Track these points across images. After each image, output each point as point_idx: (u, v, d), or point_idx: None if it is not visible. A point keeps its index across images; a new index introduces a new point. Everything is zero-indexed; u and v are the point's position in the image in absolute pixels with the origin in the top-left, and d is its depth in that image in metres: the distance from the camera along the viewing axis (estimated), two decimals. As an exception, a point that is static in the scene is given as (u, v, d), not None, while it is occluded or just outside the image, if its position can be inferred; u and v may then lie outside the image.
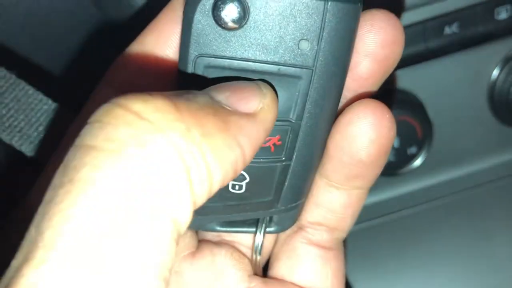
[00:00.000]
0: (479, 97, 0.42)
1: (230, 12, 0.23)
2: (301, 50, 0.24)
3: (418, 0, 0.38)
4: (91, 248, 0.16)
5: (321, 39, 0.24)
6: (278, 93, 0.25)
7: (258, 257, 0.32)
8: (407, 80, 0.41)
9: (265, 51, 0.24)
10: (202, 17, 0.23)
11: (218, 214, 0.29)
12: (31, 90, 0.31)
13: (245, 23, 0.23)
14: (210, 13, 0.23)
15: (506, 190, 0.47)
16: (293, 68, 0.24)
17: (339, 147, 0.27)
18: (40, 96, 0.31)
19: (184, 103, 0.19)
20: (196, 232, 0.33)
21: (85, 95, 0.29)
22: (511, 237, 0.47)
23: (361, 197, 0.31)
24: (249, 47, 0.24)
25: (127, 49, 0.28)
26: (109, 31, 0.36)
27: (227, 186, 0.27)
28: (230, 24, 0.23)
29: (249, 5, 0.23)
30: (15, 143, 0.30)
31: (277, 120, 0.24)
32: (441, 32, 0.39)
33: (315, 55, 0.24)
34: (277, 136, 0.26)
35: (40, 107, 0.31)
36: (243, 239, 0.33)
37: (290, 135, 0.26)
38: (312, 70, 0.24)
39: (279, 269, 0.33)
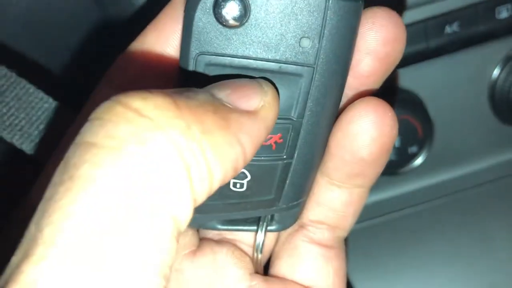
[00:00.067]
0: (480, 96, 0.42)
1: (231, 10, 0.23)
2: (302, 48, 0.24)
3: (419, -1, 0.38)
4: (91, 245, 0.16)
5: (323, 36, 0.24)
6: (280, 91, 0.25)
7: (259, 256, 0.32)
8: (408, 79, 0.41)
9: (266, 49, 0.24)
10: (203, 15, 0.23)
11: (219, 213, 0.29)
12: (31, 88, 0.31)
13: (246, 21, 0.23)
14: (211, 11, 0.23)
15: (506, 190, 0.47)
16: (294, 66, 0.24)
17: (341, 145, 0.27)
18: (41, 94, 0.31)
19: (184, 100, 0.19)
20: (197, 231, 0.33)
21: (86, 94, 0.29)
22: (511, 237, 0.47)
23: (363, 195, 0.31)
24: (250, 45, 0.24)
25: (128, 48, 0.28)
26: (110, 29, 0.36)
27: (228, 184, 0.27)
28: (231, 22, 0.23)
29: (250, 3, 0.23)
30: (16, 141, 0.30)
31: (279, 118, 0.24)
32: (441, 31, 0.39)
33: (317, 53, 0.24)
34: (279, 134, 0.26)
35: (41, 106, 0.31)
36: (244, 237, 0.33)
37: (292, 133, 0.26)
38: (314, 68, 0.24)
39: (280, 268, 0.33)
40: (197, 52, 0.24)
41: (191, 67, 0.24)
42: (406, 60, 0.40)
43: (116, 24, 0.36)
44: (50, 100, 0.31)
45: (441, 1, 0.38)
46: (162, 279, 0.18)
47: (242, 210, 0.28)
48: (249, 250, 0.33)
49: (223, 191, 0.27)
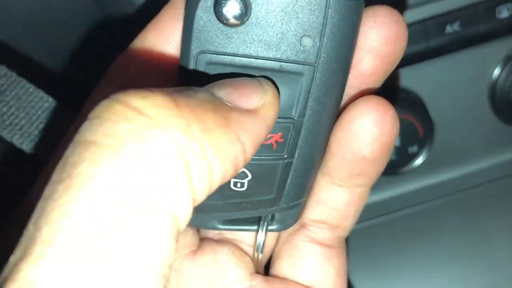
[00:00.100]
0: (480, 96, 0.42)
1: (231, 9, 0.23)
2: (303, 46, 0.24)
3: (419, -1, 0.38)
4: (90, 244, 0.16)
5: (323, 35, 0.24)
6: (280, 90, 0.25)
7: (260, 255, 0.32)
8: (408, 79, 0.41)
9: (267, 47, 0.24)
10: (204, 14, 0.23)
11: (219, 212, 0.29)
12: (31, 88, 0.31)
13: (247, 20, 0.23)
14: (212, 9, 0.23)
15: (506, 190, 0.47)
16: (295, 65, 0.24)
17: (342, 144, 0.27)
18: (41, 94, 0.31)
19: (184, 99, 0.19)
20: (198, 230, 0.33)
21: (86, 93, 0.29)
22: (512, 237, 0.47)
23: (364, 195, 0.31)
24: (250, 44, 0.24)
25: (128, 47, 0.28)
26: (110, 29, 0.36)
27: (229, 183, 0.27)
28: (232, 21, 0.23)
29: (250, 1, 0.23)
30: (16, 141, 0.30)
31: (279, 117, 0.24)
32: (442, 30, 0.39)
33: (317, 52, 0.24)
34: (279, 133, 0.26)
35: (41, 105, 0.31)
36: (245, 237, 0.33)
37: (292, 132, 0.26)
38: (314, 66, 0.24)
39: (281, 268, 0.33)
40: (198, 50, 0.24)
41: (191, 66, 0.24)
42: (407, 60, 0.40)
43: (116, 23, 0.36)
44: (50, 99, 0.31)
45: (441, 1, 0.38)
46: (162, 278, 0.17)
47: (242, 209, 0.28)
48: (249, 250, 0.33)
49: (224, 191, 0.27)
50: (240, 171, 0.25)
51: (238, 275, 0.32)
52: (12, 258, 0.17)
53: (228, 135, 0.20)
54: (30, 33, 0.35)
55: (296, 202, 0.29)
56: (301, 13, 0.23)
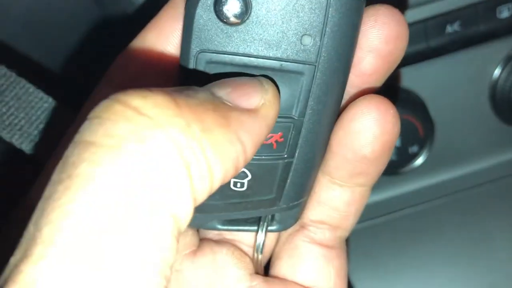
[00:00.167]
0: (481, 96, 0.42)
1: (232, 7, 0.23)
2: (303, 45, 0.24)
3: (419, -1, 0.38)
4: (90, 244, 0.16)
5: (324, 34, 0.24)
6: (280, 89, 0.25)
7: (260, 256, 0.32)
8: (409, 79, 0.41)
9: (267, 46, 0.24)
10: (204, 12, 0.23)
11: (219, 212, 0.28)
12: (31, 88, 0.31)
13: (247, 18, 0.23)
14: (212, 8, 0.23)
15: (507, 190, 0.47)
16: (296, 64, 0.24)
17: (343, 144, 0.27)
18: (41, 94, 0.31)
19: (184, 99, 0.19)
20: (197, 231, 0.33)
21: (85, 93, 0.29)
22: (512, 237, 0.47)
23: (364, 195, 0.31)
24: (251, 43, 0.24)
25: (128, 47, 0.28)
26: (110, 29, 0.36)
27: (229, 183, 0.27)
28: (232, 19, 0.23)
29: (251, 0, 0.23)
30: (15, 141, 0.30)
31: (279, 117, 0.24)
32: (442, 30, 0.39)
33: (318, 51, 0.24)
34: (279, 133, 0.26)
35: (41, 105, 0.31)
36: (245, 237, 0.33)
37: (293, 132, 0.26)
38: (315, 66, 0.24)
39: (280, 268, 0.33)
40: (198, 49, 0.24)
41: (191, 65, 0.24)
42: (407, 60, 0.40)
43: (116, 23, 0.36)
44: (50, 99, 0.31)
45: (441, 1, 0.38)
46: (162, 279, 0.17)
47: (242, 209, 0.28)
48: (249, 251, 0.33)
49: (224, 191, 0.27)
50: (240, 171, 0.25)
51: (237, 276, 0.32)
52: (13, 259, 0.17)
53: (228, 135, 0.20)
54: (29, 33, 0.35)
55: (296, 202, 0.29)
56: (301, 12, 0.23)
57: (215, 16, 0.23)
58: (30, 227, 0.17)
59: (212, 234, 0.33)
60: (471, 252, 0.47)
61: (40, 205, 0.17)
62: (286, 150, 0.26)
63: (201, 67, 0.24)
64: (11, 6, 0.34)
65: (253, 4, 0.23)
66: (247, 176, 0.27)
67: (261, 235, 0.31)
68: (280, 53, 0.24)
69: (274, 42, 0.24)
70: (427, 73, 0.41)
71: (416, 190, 0.46)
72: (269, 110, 0.23)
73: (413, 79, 0.41)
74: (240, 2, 0.23)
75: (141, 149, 0.18)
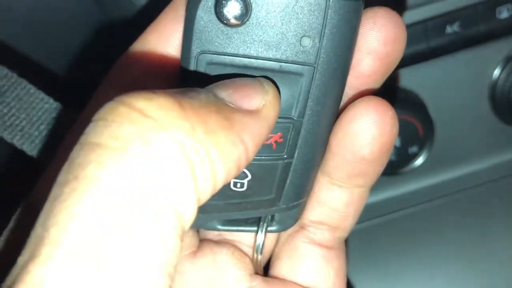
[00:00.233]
0: (481, 96, 0.42)
1: (232, 9, 0.23)
2: (303, 47, 0.24)
3: (419, -1, 0.38)
4: (96, 245, 0.16)
5: (323, 36, 0.24)
6: (280, 90, 0.25)
7: (259, 256, 0.32)
8: (409, 79, 0.41)
9: (267, 48, 0.24)
10: (205, 14, 0.23)
11: (219, 212, 0.29)
12: (32, 89, 0.31)
13: (247, 20, 0.23)
14: (213, 9, 0.23)
15: (507, 190, 0.47)
16: (295, 65, 0.24)
17: (342, 144, 0.27)
18: (42, 95, 0.31)
19: (188, 100, 0.19)
20: (197, 231, 0.33)
21: (87, 94, 0.29)
22: (512, 237, 0.47)
23: (363, 195, 0.31)
24: (251, 44, 0.24)
25: (129, 48, 0.28)
26: (111, 30, 0.36)
27: (229, 184, 0.27)
28: (232, 21, 0.23)
29: (251, 1, 0.23)
30: (17, 142, 0.30)
31: (279, 117, 0.24)
32: (442, 31, 0.39)
33: (317, 52, 0.24)
34: (279, 133, 0.26)
35: (42, 106, 0.31)
36: (245, 238, 0.33)
37: (292, 133, 0.26)
38: (314, 67, 0.24)
39: (280, 269, 0.33)
40: (199, 51, 0.24)
41: (192, 66, 0.24)
42: (407, 60, 0.40)
43: (117, 24, 0.36)
44: (51, 100, 0.31)
45: (441, 1, 0.38)
46: (167, 279, 0.18)
47: (242, 210, 0.28)
48: (249, 251, 0.33)
49: (224, 191, 0.27)
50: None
51: (237, 276, 0.32)
52: (20, 259, 0.17)
53: (231, 137, 0.20)
54: (30, 34, 0.35)
55: (295, 203, 0.29)
56: (301, 14, 0.23)
57: (216, 18, 0.23)
58: (38, 227, 0.17)
59: (212, 234, 0.33)
60: (471, 252, 0.47)
61: (47, 206, 0.18)
62: (285, 150, 0.27)
63: (201, 68, 0.25)
64: (12, 7, 0.34)
65: (253, 6, 0.23)
66: (247, 176, 0.27)
67: (260, 235, 0.31)
68: (279, 54, 0.24)
69: (274, 44, 0.24)
70: (427, 74, 0.41)
71: (416, 190, 0.46)
72: (270, 111, 0.23)
73: (413, 80, 0.41)
74: (240, 4, 0.23)
75: (146, 151, 0.18)
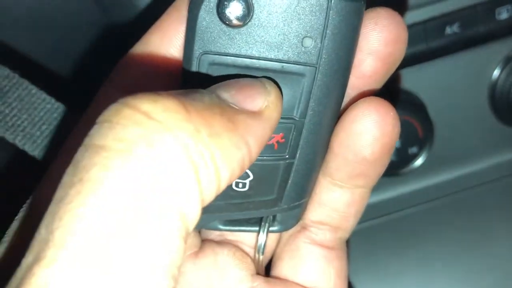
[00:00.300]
0: (480, 97, 0.42)
1: (234, 10, 0.23)
2: (304, 47, 0.24)
3: (419, 0, 0.38)
4: (101, 248, 0.16)
5: (325, 36, 0.24)
6: (282, 90, 0.25)
7: (261, 257, 0.32)
8: (408, 80, 0.41)
9: (269, 48, 0.24)
10: (207, 15, 0.23)
11: (221, 213, 0.29)
12: (34, 89, 0.31)
13: (249, 21, 0.23)
14: (215, 10, 0.23)
15: (507, 190, 0.47)
16: (297, 66, 0.24)
17: (344, 145, 0.27)
18: (43, 95, 0.31)
19: (192, 103, 0.19)
20: (199, 232, 0.33)
21: (88, 94, 0.29)
22: (512, 237, 0.47)
23: (364, 196, 0.31)
24: (253, 45, 0.24)
25: (131, 49, 0.28)
26: (112, 31, 0.37)
27: (231, 184, 0.27)
28: (235, 22, 0.23)
29: (253, 2, 0.23)
30: (18, 142, 0.30)
31: (281, 118, 0.24)
32: (442, 32, 0.39)
33: (319, 53, 0.24)
34: (281, 133, 0.26)
35: (43, 106, 0.31)
36: (246, 238, 0.33)
37: (294, 133, 0.26)
38: (316, 67, 0.24)
39: (282, 269, 0.33)
40: (201, 51, 0.24)
41: (194, 67, 0.25)
42: (407, 61, 0.40)
43: (118, 25, 0.36)
44: (53, 101, 0.31)
45: (441, 2, 0.39)
46: (171, 281, 0.18)
47: (244, 210, 0.29)
48: (250, 251, 0.33)
49: (226, 191, 0.27)
50: None
51: (239, 276, 0.32)
52: (24, 261, 0.17)
53: (235, 139, 0.20)
54: (32, 35, 0.35)
55: (297, 203, 0.29)
56: (302, 15, 0.23)
57: (218, 18, 0.23)
58: (42, 230, 0.17)
59: (213, 235, 0.33)
60: (471, 252, 0.47)
61: (51, 208, 0.18)
62: (287, 150, 0.27)
63: (203, 69, 0.25)
64: (13, 7, 0.34)
65: (255, 6, 0.23)
66: (248, 176, 0.27)
67: (262, 235, 0.31)
68: (281, 55, 0.24)
69: (276, 44, 0.24)
70: (427, 74, 0.41)
71: (416, 191, 0.46)
72: (272, 112, 0.23)
73: (413, 80, 0.41)
74: (242, 5, 0.23)
75: (151, 153, 0.18)
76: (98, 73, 0.30)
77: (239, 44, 0.24)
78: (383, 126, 0.27)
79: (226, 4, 0.23)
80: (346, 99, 0.28)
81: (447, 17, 0.39)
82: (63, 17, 0.35)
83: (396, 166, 0.43)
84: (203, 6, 0.23)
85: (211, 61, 0.24)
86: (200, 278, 0.31)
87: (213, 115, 0.20)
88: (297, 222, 0.31)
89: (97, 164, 0.17)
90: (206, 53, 0.24)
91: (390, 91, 0.41)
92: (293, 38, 0.24)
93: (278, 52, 0.24)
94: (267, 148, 0.26)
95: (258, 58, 0.24)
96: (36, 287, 0.16)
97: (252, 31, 0.24)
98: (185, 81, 0.25)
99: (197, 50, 0.24)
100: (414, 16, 0.39)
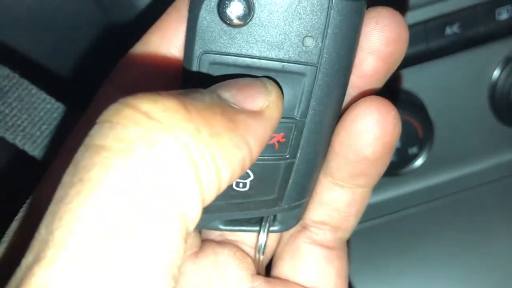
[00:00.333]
0: (480, 97, 0.42)
1: (235, 9, 0.23)
2: (305, 47, 0.24)
3: (419, 0, 0.38)
4: (101, 248, 0.16)
5: (326, 36, 0.24)
6: (283, 90, 0.25)
7: (261, 257, 0.32)
8: (408, 80, 0.41)
9: (269, 48, 0.24)
10: (207, 14, 0.23)
11: (221, 212, 0.29)
12: (34, 89, 0.31)
13: (250, 20, 0.23)
14: (215, 10, 0.23)
15: (507, 190, 0.47)
16: (298, 65, 0.24)
17: (345, 144, 0.27)
18: (43, 95, 0.31)
19: (192, 102, 0.19)
20: (199, 232, 0.33)
21: (88, 94, 0.29)
22: (512, 237, 0.47)
23: (365, 196, 0.31)
24: (254, 44, 0.24)
25: (131, 49, 0.28)
26: (112, 30, 0.36)
27: (231, 184, 0.27)
28: (235, 21, 0.23)
29: (254, 2, 0.23)
30: (18, 142, 0.30)
31: (282, 117, 0.24)
32: (442, 32, 0.39)
33: (320, 52, 0.24)
34: (282, 133, 0.26)
35: (43, 106, 0.31)
36: (246, 238, 0.33)
37: (295, 132, 0.26)
38: (317, 67, 0.24)
39: (282, 269, 0.33)
40: (201, 51, 0.24)
41: (195, 66, 0.24)
42: (407, 61, 0.40)
43: (118, 25, 0.36)
44: (53, 101, 0.31)
45: (441, 2, 0.39)
46: (171, 281, 0.18)
47: (244, 210, 0.28)
48: (251, 251, 0.33)
49: (226, 191, 0.27)
50: None
51: (239, 277, 0.32)
52: (24, 261, 0.17)
53: (236, 139, 0.20)
54: (32, 35, 0.35)
55: (298, 203, 0.29)
56: (303, 14, 0.23)
57: (219, 18, 0.23)
58: (42, 230, 0.17)
59: (214, 235, 0.33)
60: (471, 253, 0.47)
61: (51, 208, 0.18)
62: (288, 150, 0.27)
63: (204, 68, 0.25)
64: (13, 7, 0.34)
65: (256, 6, 0.23)
66: (249, 176, 0.27)
67: (263, 235, 0.31)
68: (282, 54, 0.24)
69: (277, 44, 0.24)
70: (427, 75, 0.41)
71: (416, 191, 0.46)
72: (273, 111, 0.23)
73: (413, 81, 0.41)
74: (243, 4, 0.23)
75: (151, 153, 0.18)
76: (98, 73, 0.30)
77: (239, 43, 0.24)
78: (384, 125, 0.27)
79: (227, 4, 0.23)
80: (347, 99, 0.28)
81: (447, 17, 0.39)
82: (63, 17, 0.35)
83: (396, 166, 0.43)
84: (204, 6, 0.23)
85: (211, 61, 0.24)
86: (201, 278, 0.31)
87: (213, 115, 0.20)
88: (297, 222, 0.31)
89: (97, 164, 0.17)
90: (206, 52, 0.24)
91: (390, 91, 0.41)
92: (294, 38, 0.24)
93: (279, 51, 0.24)
94: (268, 148, 0.26)
95: (259, 58, 0.24)
96: (36, 287, 0.16)
97: (253, 30, 0.24)
98: (186, 80, 0.25)
99: (198, 49, 0.24)
100: (414, 16, 0.39)
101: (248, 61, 0.24)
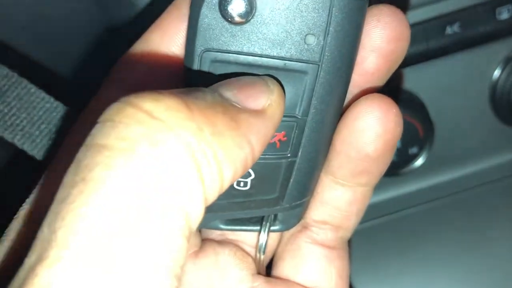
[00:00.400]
0: (481, 97, 0.42)
1: (236, 7, 0.23)
2: (307, 45, 0.24)
3: (419, 0, 0.38)
4: (104, 247, 0.16)
5: (328, 34, 0.24)
6: (285, 88, 0.25)
7: (262, 256, 0.32)
8: (409, 80, 0.41)
9: (271, 45, 0.24)
10: (209, 12, 0.23)
11: (222, 212, 0.28)
12: (33, 88, 0.31)
13: (252, 18, 0.23)
14: (217, 7, 0.23)
15: (507, 190, 0.47)
16: (299, 63, 0.24)
17: (346, 142, 0.27)
18: (43, 94, 0.31)
19: (194, 101, 0.19)
20: (200, 231, 0.33)
21: (87, 93, 0.28)
22: (512, 237, 0.47)
23: (366, 195, 0.31)
24: (255, 42, 0.24)
25: (132, 47, 0.28)
26: (113, 30, 0.36)
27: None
28: (237, 19, 0.23)
29: None
30: (17, 141, 0.30)
31: (283, 116, 0.24)
32: (442, 32, 0.39)
33: (321, 50, 0.24)
34: (283, 132, 0.26)
35: (43, 106, 0.31)
36: (247, 238, 0.33)
37: (296, 131, 0.26)
38: (318, 65, 0.24)
39: (283, 269, 0.33)
40: (203, 48, 0.24)
41: (196, 64, 0.24)
42: (407, 61, 0.40)
43: (118, 24, 0.36)
44: (52, 100, 0.31)
45: (441, 2, 0.39)
46: (174, 280, 0.17)
47: (245, 209, 0.28)
48: (251, 251, 0.33)
49: (227, 190, 0.27)
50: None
51: (239, 276, 0.32)
52: (27, 261, 0.17)
53: (238, 138, 0.20)
54: (31, 34, 0.35)
55: (299, 202, 0.29)
56: (305, 12, 0.23)
57: (220, 16, 0.23)
58: (44, 229, 0.17)
59: (214, 234, 0.33)
60: (472, 253, 0.47)
61: (53, 207, 0.17)
62: (289, 149, 0.26)
63: (205, 66, 0.24)
64: (13, 6, 0.34)
65: (258, 3, 0.23)
66: (250, 175, 0.27)
67: (263, 235, 0.31)
68: (284, 52, 0.24)
69: (278, 41, 0.24)
70: (427, 74, 0.41)
71: (416, 191, 0.46)
72: (275, 110, 0.23)
73: (413, 80, 0.41)
74: (244, 2, 0.23)
75: (154, 152, 0.18)
76: (98, 73, 0.29)
77: (241, 41, 0.24)
78: (386, 122, 0.27)
79: (228, 1, 0.23)
80: (348, 97, 0.28)
81: (447, 17, 0.39)
82: (63, 16, 0.35)
83: (396, 166, 0.43)
84: (205, 3, 0.23)
85: (213, 59, 0.24)
86: (201, 278, 0.31)
87: (215, 114, 0.20)
88: (298, 221, 0.31)
89: (99, 163, 0.17)
90: (208, 50, 0.24)
91: (390, 90, 0.41)
92: (296, 36, 0.24)
93: (280, 49, 0.24)
94: (269, 147, 0.26)
95: (261, 56, 0.24)
96: (39, 287, 0.16)
97: (255, 28, 0.24)
98: (187, 79, 0.25)
99: (199, 47, 0.24)
100: (415, 16, 0.39)
101: (250, 59, 0.24)
